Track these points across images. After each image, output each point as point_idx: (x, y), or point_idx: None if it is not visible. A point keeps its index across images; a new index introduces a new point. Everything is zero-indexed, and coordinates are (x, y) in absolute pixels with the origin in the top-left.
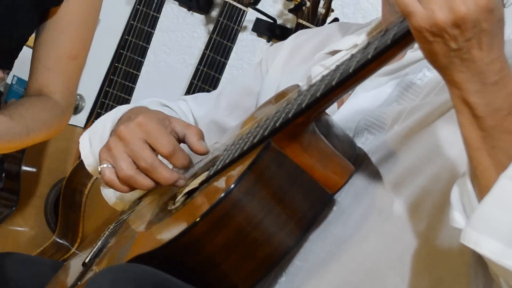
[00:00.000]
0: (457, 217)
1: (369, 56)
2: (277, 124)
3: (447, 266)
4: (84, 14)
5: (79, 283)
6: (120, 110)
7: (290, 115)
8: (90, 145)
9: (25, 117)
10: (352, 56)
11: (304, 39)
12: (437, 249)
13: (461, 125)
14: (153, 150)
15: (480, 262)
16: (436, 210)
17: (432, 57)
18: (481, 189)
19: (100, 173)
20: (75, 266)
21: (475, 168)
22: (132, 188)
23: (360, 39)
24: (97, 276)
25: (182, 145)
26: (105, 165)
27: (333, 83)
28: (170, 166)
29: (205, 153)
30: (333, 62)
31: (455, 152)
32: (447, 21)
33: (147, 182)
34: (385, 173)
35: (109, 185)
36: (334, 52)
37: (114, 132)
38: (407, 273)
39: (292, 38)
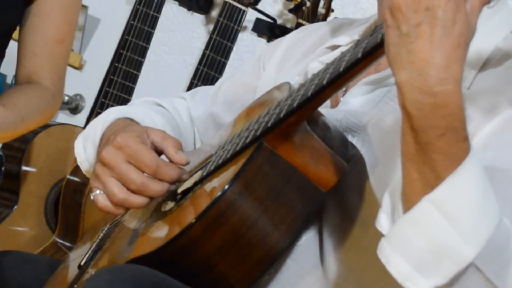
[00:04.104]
0: (382, 220)
1: (359, 55)
2: (269, 124)
3: None
4: None
5: (75, 286)
6: (109, 115)
7: (281, 115)
8: (85, 151)
9: (18, 106)
10: (343, 54)
11: (306, 34)
12: None
13: (401, 132)
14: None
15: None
16: None
17: (386, 46)
18: (406, 199)
19: (93, 201)
20: (71, 268)
21: (405, 177)
22: (127, 209)
23: (359, 34)
24: (94, 277)
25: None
26: (97, 192)
27: (324, 82)
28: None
29: (185, 163)
30: (331, 57)
31: None
32: None
33: (141, 200)
34: (365, 179)
35: (105, 211)
36: (334, 47)
37: (97, 158)
38: (396, 285)
39: (293, 34)
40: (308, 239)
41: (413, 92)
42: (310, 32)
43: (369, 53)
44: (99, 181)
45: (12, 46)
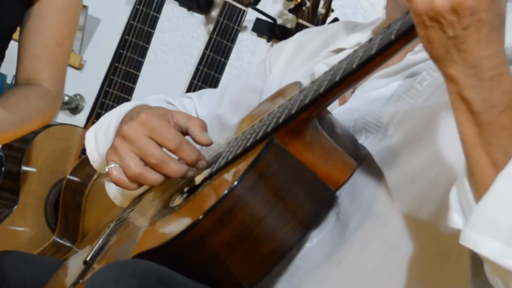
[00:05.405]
0: (455, 218)
1: (373, 52)
2: (280, 120)
3: (445, 272)
4: None
5: (80, 281)
6: (126, 107)
7: (293, 111)
8: (96, 142)
9: (18, 107)
10: (356, 51)
11: (309, 37)
12: (435, 256)
13: (458, 122)
14: (159, 145)
15: (478, 268)
16: (434, 217)
17: (429, 45)
18: (479, 187)
19: (107, 173)
20: (75, 264)
21: (472, 166)
22: (141, 185)
23: (364, 37)
24: (101, 271)
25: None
26: (112, 165)
27: (337, 78)
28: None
29: (209, 143)
30: (336, 60)
31: (453, 158)
32: (445, 5)
33: (156, 177)
34: (384, 177)
35: (118, 184)
36: (338, 50)
37: (118, 133)
38: (407, 281)
39: (296, 36)
40: (319, 240)
41: (469, 80)
42: (314, 35)
43: (383, 49)
44: (116, 154)
45: (12, 46)
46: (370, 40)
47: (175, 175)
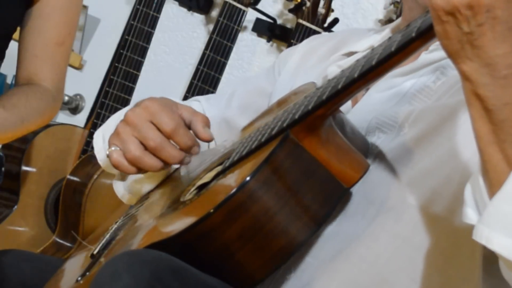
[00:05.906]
0: (469, 214)
1: (393, 49)
2: (296, 116)
3: (457, 268)
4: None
5: (87, 273)
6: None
7: (310, 107)
8: (103, 141)
9: (18, 107)
10: (374, 49)
11: (319, 43)
12: (447, 251)
13: (472, 119)
14: (158, 129)
15: (490, 267)
16: (447, 212)
17: (445, 41)
18: (492, 183)
19: (108, 156)
20: (80, 260)
21: (486, 163)
22: (139, 168)
23: (377, 41)
24: (113, 260)
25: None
26: (113, 148)
27: (355, 75)
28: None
29: (210, 139)
30: (349, 62)
31: (467, 155)
32: (462, 0)
33: (155, 162)
34: (397, 173)
35: (117, 166)
36: (350, 54)
37: (123, 117)
38: (418, 276)
39: (306, 42)
40: (325, 237)
41: (483, 77)
42: (323, 41)
43: (403, 47)
44: (118, 138)
45: (12, 46)
46: (389, 38)
47: (172, 160)
